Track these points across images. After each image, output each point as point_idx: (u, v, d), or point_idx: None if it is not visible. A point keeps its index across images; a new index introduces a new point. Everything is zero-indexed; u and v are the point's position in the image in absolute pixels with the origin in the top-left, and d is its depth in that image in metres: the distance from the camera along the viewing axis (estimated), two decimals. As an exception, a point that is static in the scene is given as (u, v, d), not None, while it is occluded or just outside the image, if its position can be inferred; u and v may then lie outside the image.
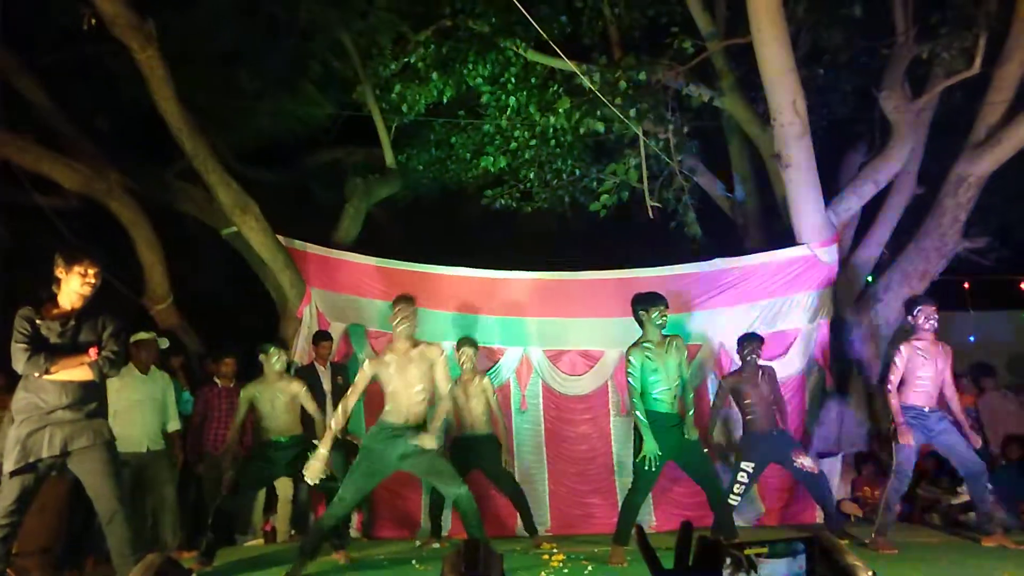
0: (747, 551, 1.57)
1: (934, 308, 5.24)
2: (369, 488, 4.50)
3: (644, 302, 4.79)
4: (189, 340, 6.90)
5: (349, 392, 4.43)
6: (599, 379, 6.30)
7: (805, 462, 5.41)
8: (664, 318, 4.77)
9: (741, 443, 5.67)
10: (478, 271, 6.39)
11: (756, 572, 1.56)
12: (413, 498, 6.02)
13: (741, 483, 5.45)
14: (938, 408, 5.14)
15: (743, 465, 5.49)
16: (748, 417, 5.62)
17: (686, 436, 4.74)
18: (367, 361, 4.52)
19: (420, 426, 4.40)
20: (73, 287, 3.70)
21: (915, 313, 5.23)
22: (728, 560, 1.54)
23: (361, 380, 4.40)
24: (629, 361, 4.74)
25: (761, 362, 5.70)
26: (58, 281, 3.72)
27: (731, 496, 5.31)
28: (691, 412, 4.80)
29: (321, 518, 4.47)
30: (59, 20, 6.38)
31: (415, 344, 4.47)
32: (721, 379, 5.88)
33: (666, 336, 4.81)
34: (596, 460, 6.21)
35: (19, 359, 3.61)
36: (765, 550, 1.57)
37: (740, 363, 5.74)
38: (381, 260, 6.41)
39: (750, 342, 5.68)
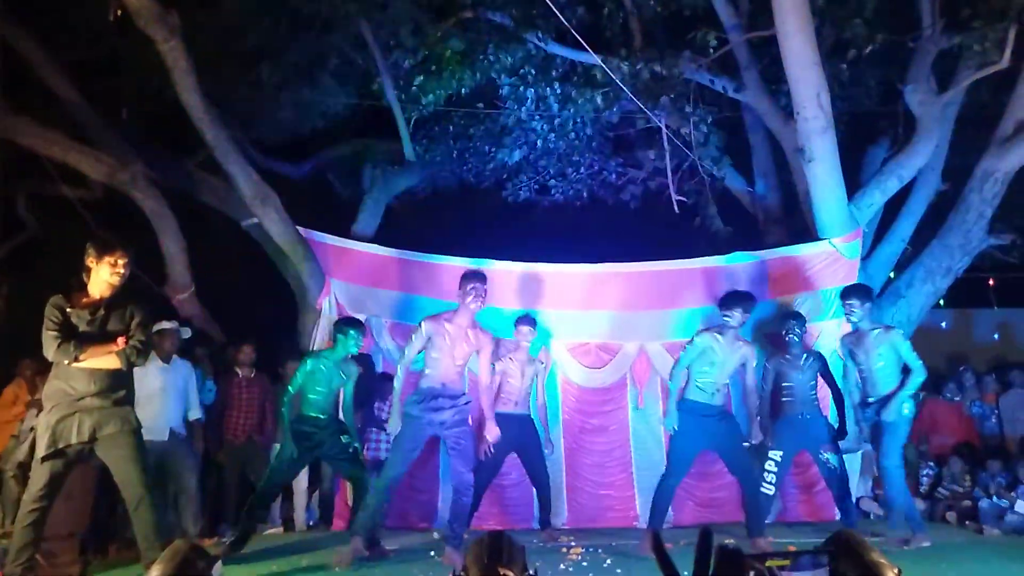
0: (769, 563, 1.54)
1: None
2: (415, 454, 4.67)
3: (729, 300, 5.05)
4: (210, 329, 6.97)
5: (408, 352, 4.69)
6: (618, 372, 6.29)
7: (832, 459, 5.25)
8: (744, 317, 5.01)
9: (773, 429, 5.42)
10: (497, 263, 6.39)
11: None
12: (431, 489, 6.05)
13: (771, 472, 5.29)
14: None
15: (771, 454, 5.32)
16: (784, 399, 5.42)
17: (725, 426, 4.95)
18: (425, 321, 4.68)
19: (455, 395, 4.63)
20: (103, 276, 3.78)
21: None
22: (750, 572, 1.51)
23: (418, 340, 4.65)
24: (692, 340, 5.01)
25: (809, 347, 5.51)
26: (88, 270, 3.80)
27: (764, 486, 5.22)
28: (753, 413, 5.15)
29: (370, 494, 4.64)
30: (85, 13, 6.45)
31: (474, 324, 4.70)
32: (767, 361, 5.58)
33: (740, 339, 5.03)
34: (613, 453, 6.20)
35: (50, 346, 3.68)
36: (788, 562, 1.54)
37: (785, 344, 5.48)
38: (400, 252, 6.44)
39: (790, 322, 5.44)
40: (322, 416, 4.98)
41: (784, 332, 5.44)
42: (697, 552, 1.25)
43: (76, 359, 3.69)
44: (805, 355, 5.44)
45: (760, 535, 4.82)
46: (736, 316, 4.96)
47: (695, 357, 4.96)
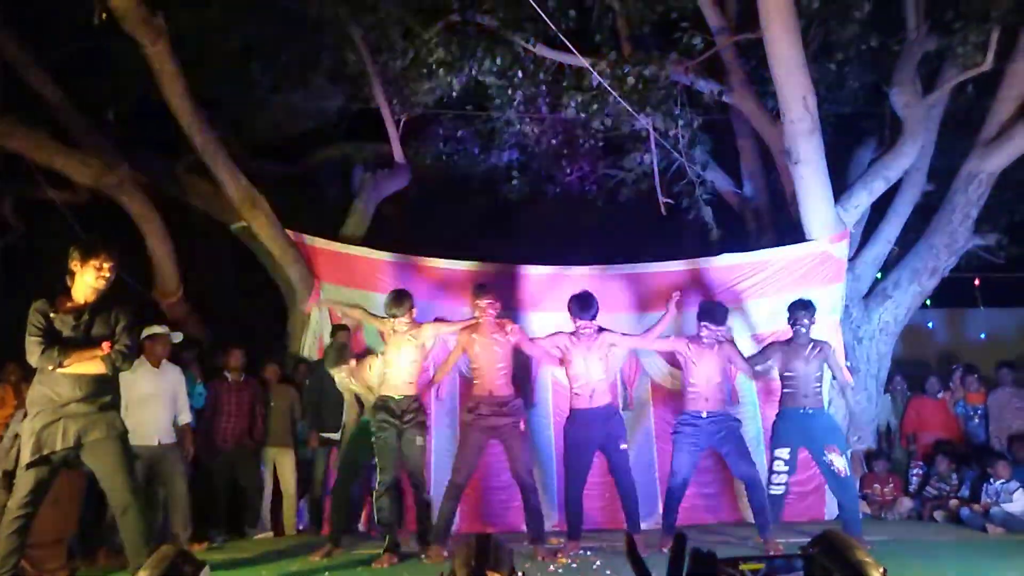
0: (743, 566, 1.55)
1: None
2: (477, 460, 4.99)
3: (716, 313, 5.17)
4: (199, 334, 6.94)
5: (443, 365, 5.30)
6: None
7: (836, 461, 4.99)
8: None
9: (774, 423, 5.28)
10: (486, 265, 6.40)
11: None
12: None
13: (779, 472, 5.09)
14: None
15: (777, 452, 5.14)
16: (785, 390, 5.26)
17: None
18: (461, 333, 5.09)
19: (503, 402, 4.91)
20: (88, 280, 3.74)
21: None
22: (722, 575, 1.51)
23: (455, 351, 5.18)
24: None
25: (816, 337, 5.31)
26: (72, 275, 3.75)
27: (772, 487, 5.09)
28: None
29: (442, 501, 4.89)
30: (70, 14, 6.40)
31: (497, 326, 5.01)
32: (772, 342, 5.51)
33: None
34: (605, 455, 6.20)
35: (33, 352, 3.64)
36: (762, 566, 1.55)
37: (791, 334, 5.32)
38: (391, 255, 6.43)
39: (797, 310, 5.24)
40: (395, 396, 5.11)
41: (791, 322, 5.27)
42: (671, 556, 1.25)
43: (60, 365, 3.65)
44: (811, 344, 5.23)
45: (770, 537, 4.83)
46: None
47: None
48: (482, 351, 4.97)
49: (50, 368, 3.66)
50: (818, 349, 5.22)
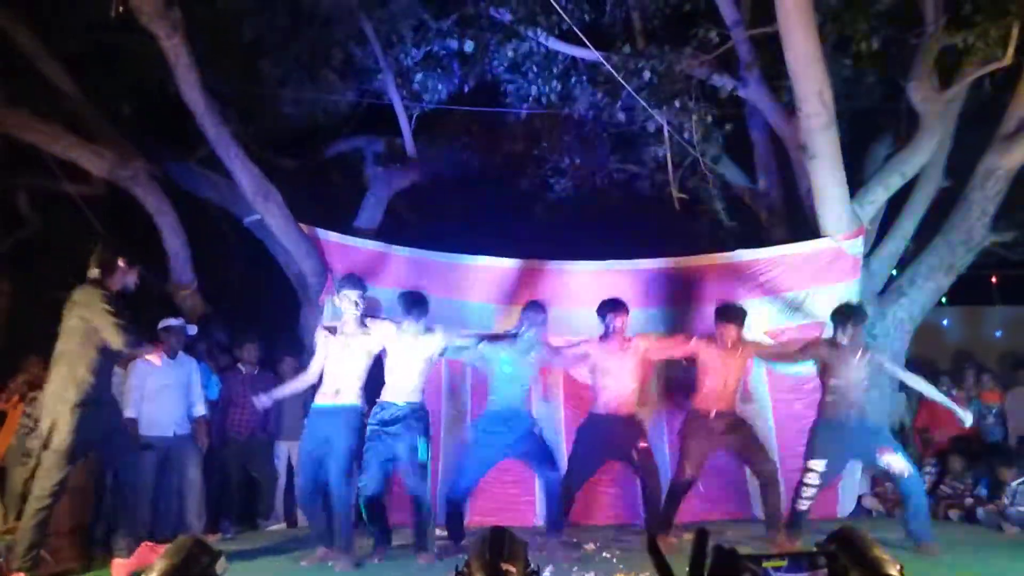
0: (765, 563, 1.54)
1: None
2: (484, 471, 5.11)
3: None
4: (213, 326, 6.97)
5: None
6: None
7: (894, 462, 4.70)
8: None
9: (811, 433, 4.94)
10: (497, 260, 6.39)
11: None
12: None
13: (810, 486, 4.75)
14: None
15: (811, 464, 4.78)
16: (828, 398, 4.89)
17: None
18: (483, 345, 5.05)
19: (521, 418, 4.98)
20: (128, 282, 4.14)
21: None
22: (745, 572, 1.51)
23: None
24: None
25: (865, 342, 5.05)
26: (115, 271, 4.06)
27: (799, 501, 4.78)
28: None
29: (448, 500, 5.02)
30: (86, 8, 6.44)
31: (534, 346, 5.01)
32: (816, 342, 5.19)
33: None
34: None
35: (120, 335, 3.85)
36: (784, 563, 1.54)
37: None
38: (403, 249, 6.43)
39: (842, 317, 4.90)
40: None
41: (839, 328, 4.92)
42: (692, 552, 1.24)
43: (139, 345, 4.04)
44: (862, 351, 4.91)
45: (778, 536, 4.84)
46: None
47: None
48: (510, 363, 5.03)
49: (126, 351, 3.99)
50: (869, 355, 4.92)
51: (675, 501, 5.08)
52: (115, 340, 3.84)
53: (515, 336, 5.05)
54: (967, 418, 4.89)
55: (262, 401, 4.91)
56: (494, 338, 5.14)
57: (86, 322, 3.87)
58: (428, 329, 4.87)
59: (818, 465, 4.78)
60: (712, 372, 5.07)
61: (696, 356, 5.21)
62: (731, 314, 5.10)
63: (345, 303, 4.71)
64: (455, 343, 5.04)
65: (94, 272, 4.02)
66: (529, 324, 5.02)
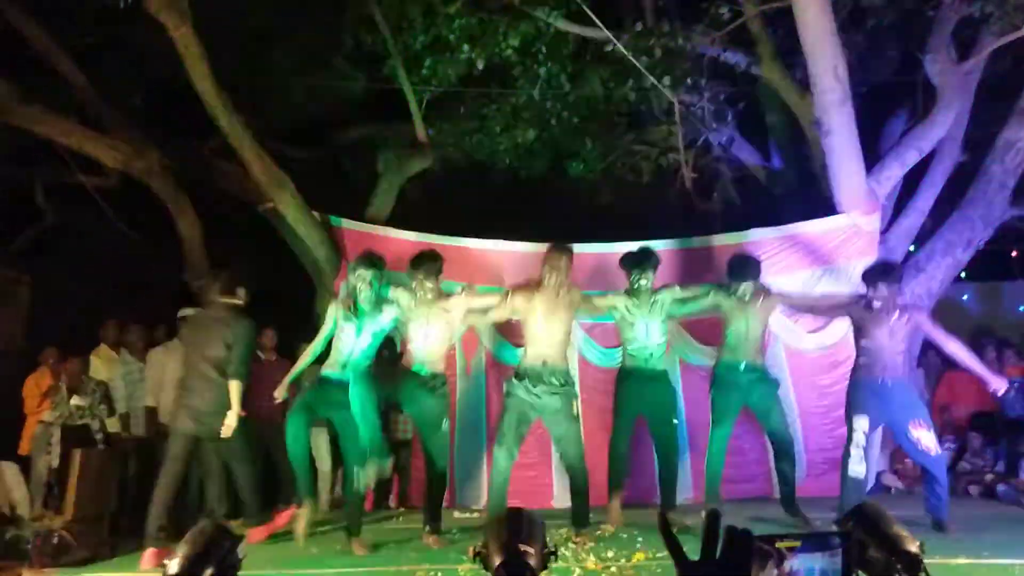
0: (779, 544, 1.53)
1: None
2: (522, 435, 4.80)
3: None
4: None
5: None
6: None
7: (924, 438, 4.48)
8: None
9: (848, 393, 4.77)
10: (509, 244, 6.39)
11: (786, 566, 1.51)
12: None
13: (859, 445, 4.49)
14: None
15: (856, 422, 4.54)
16: (860, 360, 4.72)
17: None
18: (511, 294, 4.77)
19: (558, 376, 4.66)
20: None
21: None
22: (759, 554, 1.50)
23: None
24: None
25: (905, 302, 4.85)
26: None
27: (851, 467, 4.52)
28: None
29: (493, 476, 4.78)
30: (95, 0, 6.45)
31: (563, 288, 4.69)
32: (849, 302, 4.98)
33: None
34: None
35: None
36: (798, 543, 1.53)
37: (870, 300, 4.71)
38: (416, 234, 6.44)
39: (874, 277, 4.66)
40: None
41: (870, 288, 4.68)
42: (704, 533, 1.23)
43: None
44: (898, 312, 4.66)
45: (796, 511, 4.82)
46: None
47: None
48: (542, 317, 4.72)
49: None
50: (906, 317, 4.64)
51: (719, 459, 4.93)
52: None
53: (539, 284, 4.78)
54: (1001, 385, 4.71)
55: (278, 393, 4.87)
56: (517, 289, 4.86)
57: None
58: (447, 292, 4.77)
59: (862, 423, 4.55)
60: (733, 322, 4.95)
61: (717, 309, 5.05)
62: (739, 269, 4.95)
63: (360, 284, 4.55)
64: (476, 304, 4.85)
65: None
66: (551, 269, 4.71)
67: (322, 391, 4.56)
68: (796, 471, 5.14)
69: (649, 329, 4.91)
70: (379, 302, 4.61)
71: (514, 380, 4.71)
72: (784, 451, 5.00)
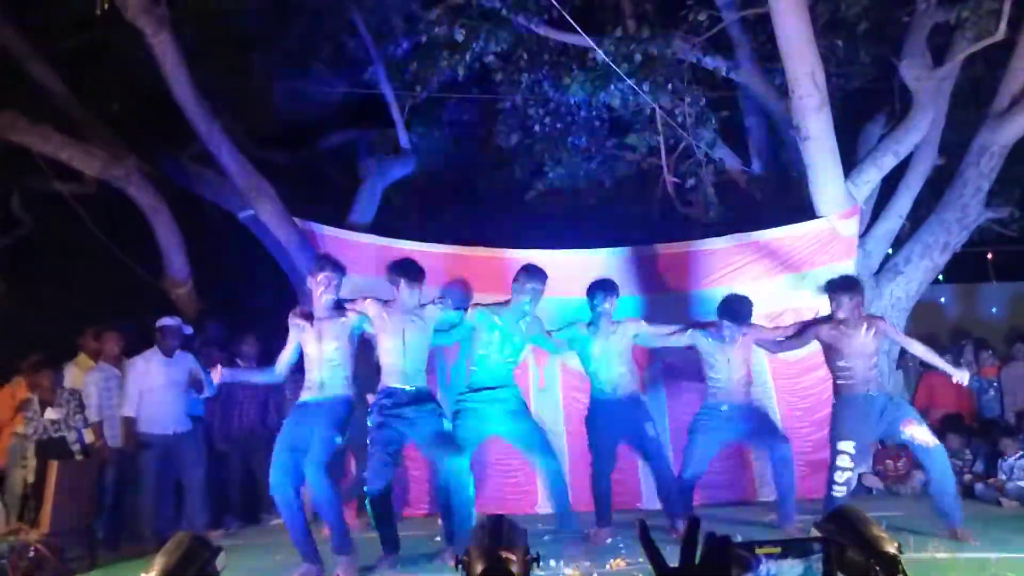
0: (759, 550, 1.53)
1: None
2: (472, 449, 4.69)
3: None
4: (209, 323, 6.96)
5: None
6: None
7: (918, 433, 4.45)
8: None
9: (834, 415, 4.67)
10: (492, 250, 6.38)
11: (766, 573, 1.51)
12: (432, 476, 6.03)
13: (844, 469, 4.44)
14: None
15: (840, 446, 4.48)
16: (840, 382, 4.63)
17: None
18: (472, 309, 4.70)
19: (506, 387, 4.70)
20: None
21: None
22: (738, 561, 1.50)
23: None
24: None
25: (867, 313, 4.78)
26: None
27: (835, 488, 4.46)
28: None
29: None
30: (72, 6, 6.39)
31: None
32: (812, 323, 4.93)
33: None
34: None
35: None
36: (778, 550, 1.54)
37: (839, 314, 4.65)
38: (398, 241, 6.42)
39: (836, 291, 4.60)
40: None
41: (834, 304, 4.65)
42: (683, 541, 1.23)
43: None
44: (865, 324, 4.62)
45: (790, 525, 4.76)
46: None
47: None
48: (500, 339, 4.74)
49: None
50: (874, 329, 4.62)
51: (688, 496, 4.91)
52: None
53: (507, 302, 4.73)
54: (964, 377, 4.76)
55: (222, 375, 4.43)
56: (486, 306, 4.77)
57: None
58: (422, 305, 4.41)
59: (848, 446, 4.49)
60: (715, 366, 4.88)
61: (694, 347, 5.00)
62: (734, 310, 4.81)
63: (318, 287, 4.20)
64: (443, 316, 4.52)
65: None
66: (520, 290, 4.66)
67: (295, 418, 4.21)
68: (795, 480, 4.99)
69: (609, 358, 4.87)
70: (340, 305, 4.28)
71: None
72: (782, 465, 4.87)
